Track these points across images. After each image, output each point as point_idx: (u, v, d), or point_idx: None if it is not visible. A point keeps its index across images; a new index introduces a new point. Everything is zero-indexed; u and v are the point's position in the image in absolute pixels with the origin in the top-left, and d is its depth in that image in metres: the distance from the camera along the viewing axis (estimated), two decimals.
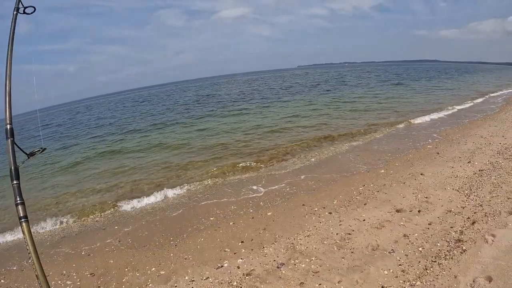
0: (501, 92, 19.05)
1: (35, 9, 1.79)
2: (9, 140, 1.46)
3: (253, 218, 4.87)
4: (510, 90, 20.51)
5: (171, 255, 4.10)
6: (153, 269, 3.82)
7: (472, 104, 15.00)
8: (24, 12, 1.77)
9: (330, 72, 63.52)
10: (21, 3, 1.78)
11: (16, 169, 1.43)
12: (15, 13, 1.75)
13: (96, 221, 5.67)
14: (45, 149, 1.69)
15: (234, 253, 3.87)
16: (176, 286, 3.39)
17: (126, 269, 3.91)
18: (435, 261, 3.25)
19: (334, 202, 5.03)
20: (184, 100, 31.06)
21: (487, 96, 17.47)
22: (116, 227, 5.23)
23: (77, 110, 44.69)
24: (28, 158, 1.57)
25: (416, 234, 3.78)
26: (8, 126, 1.48)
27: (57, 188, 7.96)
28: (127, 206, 6.05)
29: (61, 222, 5.70)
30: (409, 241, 3.66)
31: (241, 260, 3.69)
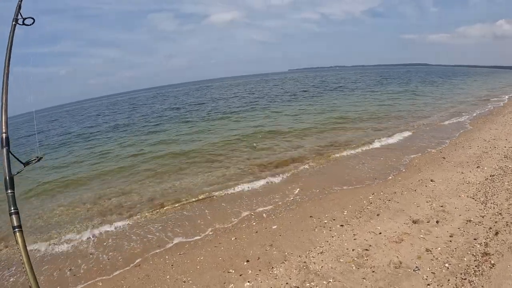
0: (496, 97, 19.20)
1: (34, 20, 1.75)
2: (5, 149, 1.46)
3: (257, 232, 4.45)
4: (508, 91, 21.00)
5: (167, 277, 3.63)
6: None
7: (469, 107, 15.04)
8: (23, 23, 1.73)
9: (326, 76, 63.61)
10: (21, 14, 1.73)
11: (11, 178, 1.42)
12: (14, 23, 1.71)
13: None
14: (41, 157, 1.61)
15: (240, 275, 3.42)
16: None
17: None
18: (465, 279, 2.92)
19: (344, 213, 4.65)
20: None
21: (483, 100, 17.61)
22: (104, 244, 4.74)
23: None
24: (24, 167, 1.55)
25: (439, 248, 3.45)
26: (4, 135, 1.47)
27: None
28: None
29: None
30: (433, 256, 3.32)
31: (248, 283, 3.24)
